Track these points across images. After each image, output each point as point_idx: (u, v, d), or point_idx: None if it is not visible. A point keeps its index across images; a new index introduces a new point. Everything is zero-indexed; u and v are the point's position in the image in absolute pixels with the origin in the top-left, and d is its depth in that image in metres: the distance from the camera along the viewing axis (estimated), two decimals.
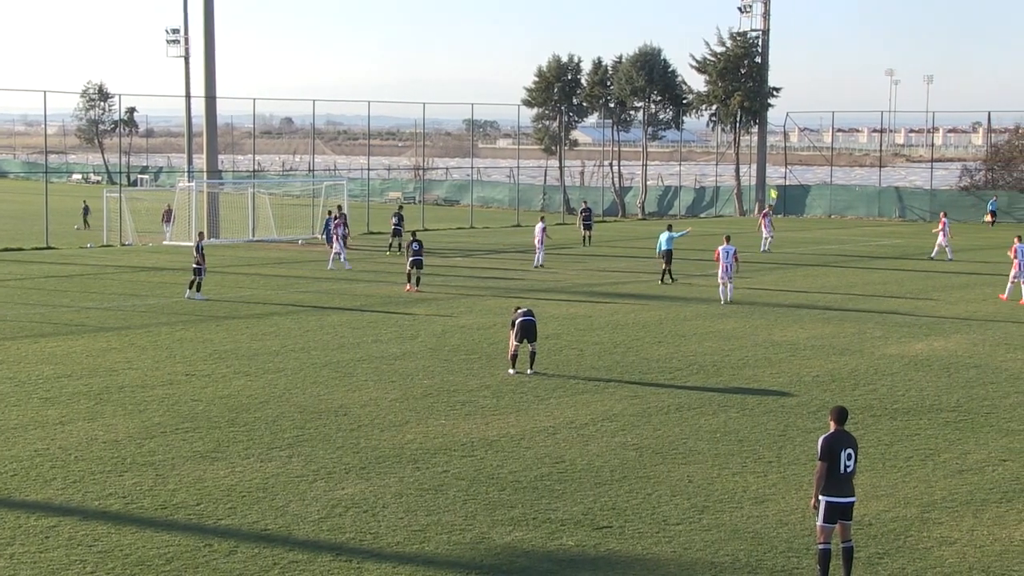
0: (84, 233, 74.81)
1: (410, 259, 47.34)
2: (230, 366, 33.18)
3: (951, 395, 30.25)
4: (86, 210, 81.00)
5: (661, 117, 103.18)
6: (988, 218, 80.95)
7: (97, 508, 21.05)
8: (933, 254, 50.61)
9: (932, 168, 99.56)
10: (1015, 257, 47.12)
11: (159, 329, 39.04)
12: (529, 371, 32.26)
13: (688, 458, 24.44)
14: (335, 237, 55.30)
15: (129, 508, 21.09)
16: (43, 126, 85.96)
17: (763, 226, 65.81)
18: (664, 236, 50.56)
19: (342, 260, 54.68)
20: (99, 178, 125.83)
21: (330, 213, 62.48)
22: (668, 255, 50.16)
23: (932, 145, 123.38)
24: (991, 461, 24.42)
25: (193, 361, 33.82)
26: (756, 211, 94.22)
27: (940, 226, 52.11)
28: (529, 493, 21.90)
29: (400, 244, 51.59)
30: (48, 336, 37.69)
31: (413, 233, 50.70)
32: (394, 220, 62.53)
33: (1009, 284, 47.18)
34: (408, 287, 47.16)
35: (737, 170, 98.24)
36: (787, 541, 19.71)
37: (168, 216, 71.50)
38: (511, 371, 32.07)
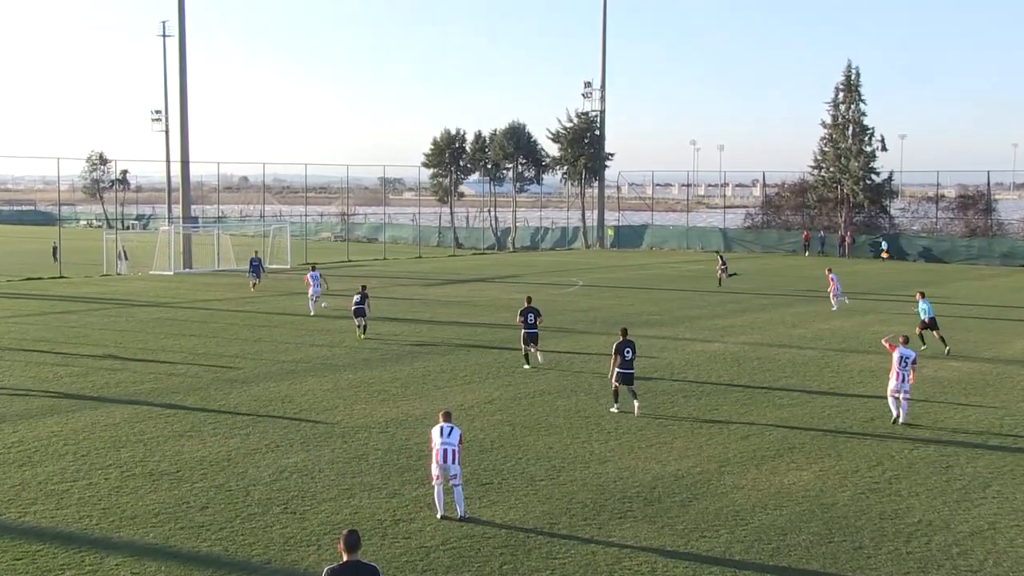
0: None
1: (353, 308, 38.52)
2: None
3: (740, 380, 30.69)
4: (55, 249, 72.55)
5: (526, 175, 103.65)
6: (884, 255, 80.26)
7: (100, 476, 20.62)
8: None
9: (724, 213, 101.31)
10: (831, 282, 47.74)
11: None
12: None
13: (549, 431, 24.52)
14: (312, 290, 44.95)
15: (123, 475, 20.68)
16: (57, 185, 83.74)
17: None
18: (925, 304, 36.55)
19: (312, 304, 44.94)
20: (100, 224, 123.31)
21: (256, 253, 59.15)
22: (933, 322, 36.15)
23: (724, 196, 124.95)
24: (768, 428, 24.82)
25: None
26: (598, 246, 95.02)
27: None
28: (429, 459, 21.84)
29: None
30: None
31: (363, 287, 40.06)
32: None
33: (833, 300, 47.56)
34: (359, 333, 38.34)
35: (583, 214, 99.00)
36: (623, 490, 19.87)
37: (122, 255, 68.49)
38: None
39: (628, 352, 26.15)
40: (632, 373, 26.36)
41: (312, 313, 44.57)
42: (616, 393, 26.49)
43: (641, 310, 47.29)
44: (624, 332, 27.03)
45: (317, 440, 23.41)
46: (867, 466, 21.74)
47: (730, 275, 58.46)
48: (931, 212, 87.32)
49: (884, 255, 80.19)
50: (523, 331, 32.50)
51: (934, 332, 36.26)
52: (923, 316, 36.39)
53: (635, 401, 26.18)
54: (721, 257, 61.39)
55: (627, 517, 18.42)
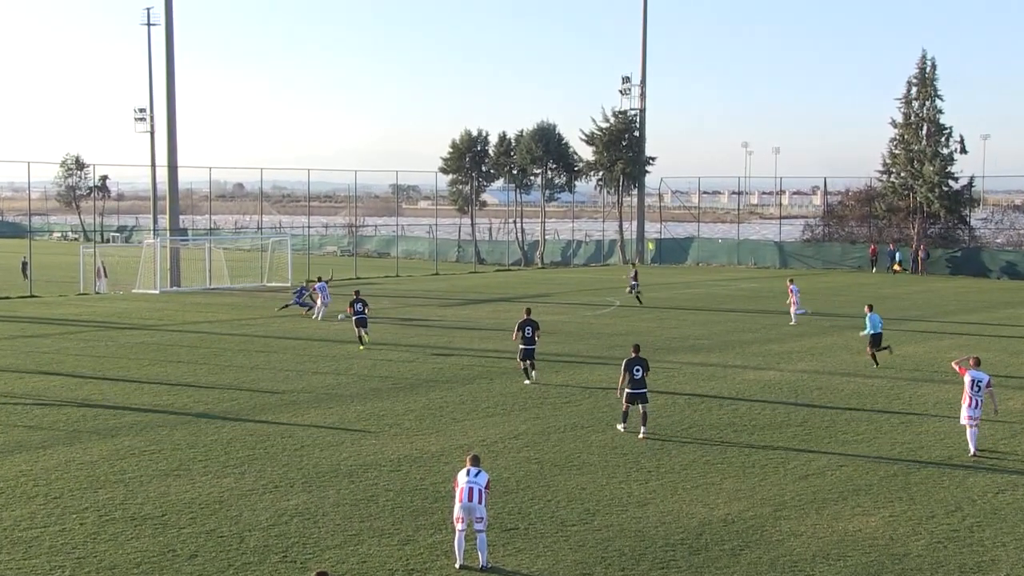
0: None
1: (354, 319, 42.69)
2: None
3: (798, 412, 30.57)
4: (24, 265, 73.18)
5: (556, 182, 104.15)
6: (896, 268, 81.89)
7: (75, 521, 20.68)
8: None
9: (780, 224, 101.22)
10: (791, 295, 51.11)
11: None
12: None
13: (582, 469, 24.47)
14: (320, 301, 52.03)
15: (102, 520, 20.73)
16: (27, 192, 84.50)
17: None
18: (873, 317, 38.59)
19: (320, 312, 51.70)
20: (76, 236, 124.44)
21: (314, 280, 59.93)
22: (877, 338, 38.06)
23: (780, 205, 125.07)
24: (830, 467, 24.70)
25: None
26: (637, 261, 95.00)
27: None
28: (447, 501, 21.75)
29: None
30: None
31: (357, 292, 44.81)
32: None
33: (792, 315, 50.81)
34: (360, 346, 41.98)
35: (620, 226, 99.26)
36: (665, 537, 19.79)
37: (101, 272, 68.77)
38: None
39: (638, 370, 27.50)
40: (644, 392, 27.58)
41: (323, 319, 50.62)
42: (626, 413, 27.86)
43: (686, 334, 47.18)
44: (636, 348, 28.59)
45: (321, 480, 23.42)
46: (944, 511, 21.58)
47: (635, 293, 59.16)
48: (1018, 222, 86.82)
49: (896, 268, 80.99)
50: (521, 347, 34.40)
51: (874, 348, 38.31)
52: (868, 331, 38.40)
53: (642, 426, 27.35)
54: (635, 270, 62.59)
55: (670, 567, 18.34)
